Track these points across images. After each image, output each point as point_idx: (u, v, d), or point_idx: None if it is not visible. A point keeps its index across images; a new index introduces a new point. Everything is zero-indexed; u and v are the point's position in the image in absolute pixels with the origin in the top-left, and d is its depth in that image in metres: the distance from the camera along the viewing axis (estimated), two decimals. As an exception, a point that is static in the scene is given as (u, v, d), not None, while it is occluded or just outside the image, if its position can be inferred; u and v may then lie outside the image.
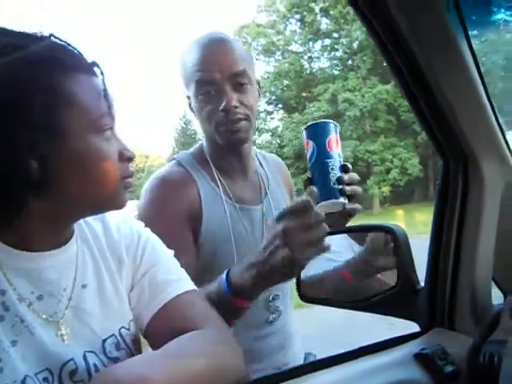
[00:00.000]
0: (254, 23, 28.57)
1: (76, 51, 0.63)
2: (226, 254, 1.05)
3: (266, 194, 1.17)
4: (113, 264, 0.70)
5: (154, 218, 0.98)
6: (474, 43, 0.70)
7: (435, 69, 0.70)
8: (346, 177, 0.90)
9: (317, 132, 0.92)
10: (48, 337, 0.60)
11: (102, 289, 0.68)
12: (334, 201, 0.88)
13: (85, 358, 0.62)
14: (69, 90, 0.59)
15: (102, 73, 0.64)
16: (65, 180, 0.60)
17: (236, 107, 1.00)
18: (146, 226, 0.88)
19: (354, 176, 0.93)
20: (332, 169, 0.90)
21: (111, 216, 0.74)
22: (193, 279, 0.80)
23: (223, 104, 0.99)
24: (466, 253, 0.84)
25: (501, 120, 0.81)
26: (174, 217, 1.01)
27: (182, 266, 0.79)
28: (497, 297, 0.90)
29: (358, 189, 0.93)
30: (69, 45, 0.63)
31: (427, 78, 0.72)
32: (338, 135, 0.94)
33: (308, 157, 0.93)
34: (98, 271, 0.69)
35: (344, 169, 0.91)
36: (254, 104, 1.06)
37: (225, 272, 0.84)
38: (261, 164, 1.23)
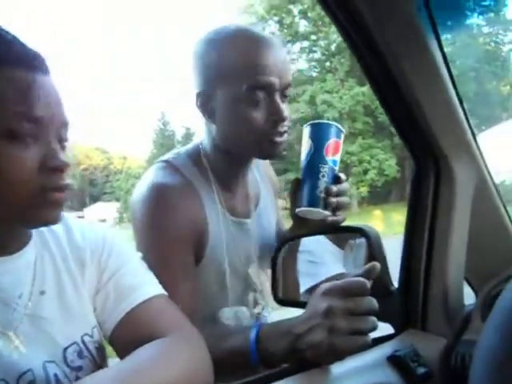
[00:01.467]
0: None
1: (12, 42, 0.57)
2: (222, 276, 0.94)
3: (257, 204, 1.05)
4: (75, 269, 0.67)
5: (154, 235, 0.86)
6: (449, 47, 0.70)
7: (404, 69, 0.70)
8: (334, 188, 0.86)
9: (317, 132, 0.89)
10: (3, 347, 0.57)
11: (63, 295, 0.65)
12: (314, 209, 0.86)
13: (44, 368, 0.60)
14: None
15: (41, 68, 0.57)
16: None
17: (286, 119, 0.89)
18: (144, 244, 0.84)
19: (345, 187, 0.89)
20: (323, 175, 0.87)
21: (75, 220, 0.71)
22: (192, 310, 0.76)
23: (276, 114, 0.87)
24: (438, 253, 0.84)
25: (471, 121, 0.81)
26: (178, 236, 0.87)
27: (180, 298, 0.73)
28: (470, 297, 0.90)
29: (346, 200, 0.89)
30: (6, 33, 0.57)
31: (397, 79, 0.71)
32: (341, 140, 0.90)
33: (303, 155, 0.90)
34: (58, 277, 0.65)
35: (336, 179, 0.88)
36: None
37: (253, 331, 0.76)
38: (252, 170, 1.09)
